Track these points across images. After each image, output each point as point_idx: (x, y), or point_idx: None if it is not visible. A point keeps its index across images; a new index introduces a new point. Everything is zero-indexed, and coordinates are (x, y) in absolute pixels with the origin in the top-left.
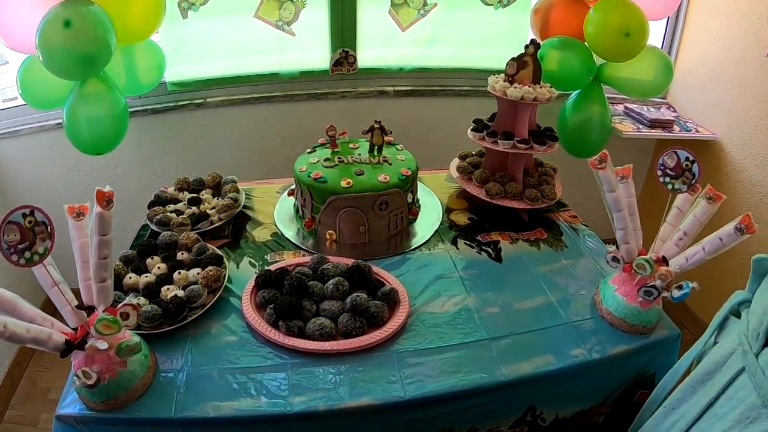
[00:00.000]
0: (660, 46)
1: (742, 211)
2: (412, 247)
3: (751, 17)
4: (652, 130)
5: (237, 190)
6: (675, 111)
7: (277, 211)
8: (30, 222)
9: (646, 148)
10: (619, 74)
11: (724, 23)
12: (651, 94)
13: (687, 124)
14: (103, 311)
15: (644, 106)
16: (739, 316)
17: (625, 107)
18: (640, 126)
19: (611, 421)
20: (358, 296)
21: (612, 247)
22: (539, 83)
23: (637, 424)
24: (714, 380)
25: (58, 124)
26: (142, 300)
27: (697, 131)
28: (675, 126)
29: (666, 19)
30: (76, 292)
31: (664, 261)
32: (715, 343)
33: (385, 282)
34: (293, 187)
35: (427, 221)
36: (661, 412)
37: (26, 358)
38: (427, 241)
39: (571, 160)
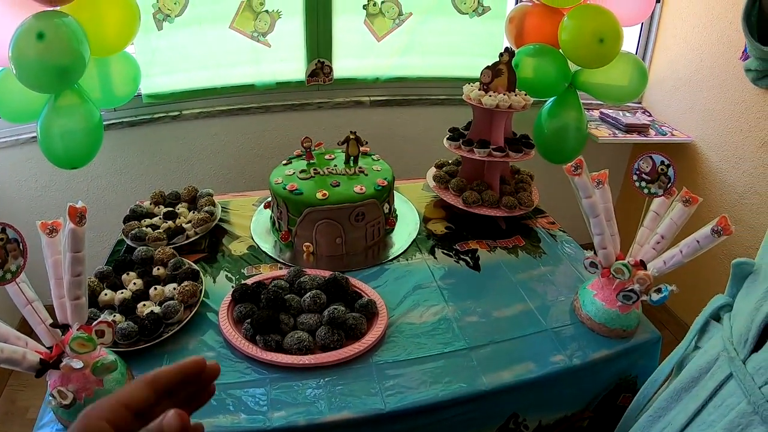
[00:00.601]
0: (634, 52)
1: (719, 212)
2: (390, 258)
3: (724, 22)
4: (628, 135)
5: (213, 204)
6: (650, 115)
7: (254, 224)
8: (1, 239)
9: (623, 152)
10: (594, 80)
11: (698, 28)
12: (626, 99)
13: (662, 128)
14: (77, 329)
15: (620, 111)
16: (719, 320)
17: (601, 113)
18: (616, 131)
19: (595, 426)
20: (335, 309)
21: (590, 253)
22: (514, 91)
23: (622, 429)
24: (699, 387)
25: (33, 137)
26: (118, 317)
27: (673, 135)
28: (651, 130)
29: (640, 25)
30: (51, 310)
31: (642, 265)
32: (697, 347)
33: (363, 294)
34: (269, 199)
35: (405, 231)
36: (646, 420)
37: (5, 377)
38: (404, 252)
39: (548, 167)
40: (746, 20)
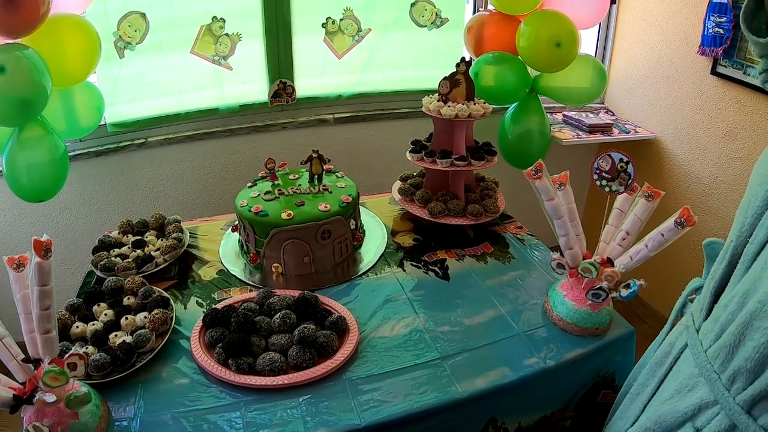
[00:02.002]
0: (594, 53)
1: (686, 204)
2: (359, 273)
3: (679, 17)
4: (592, 136)
5: (181, 230)
6: (613, 114)
7: (223, 248)
8: None
9: (589, 153)
10: (554, 84)
11: (654, 25)
12: (587, 100)
13: (626, 125)
14: (49, 363)
15: (582, 113)
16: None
17: (564, 115)
18: (580, 132)
19: (578, 424)
20: (305, 327)
21: (556, 254)
22: (473, 100)
23: (609, 418)
24: (667, 360)
25: None
26: (90, 349)
27: (636, 132)
28: (614, 129)
29: (597, 26)
30: (23, 346)
31: (609, 262)
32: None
33: (333, 311)
34: (237, 222)
35: (373, 246)
36: (627, 400)
37: None
38: (373, 266)
39: (514, 173)
40: (748, 22)
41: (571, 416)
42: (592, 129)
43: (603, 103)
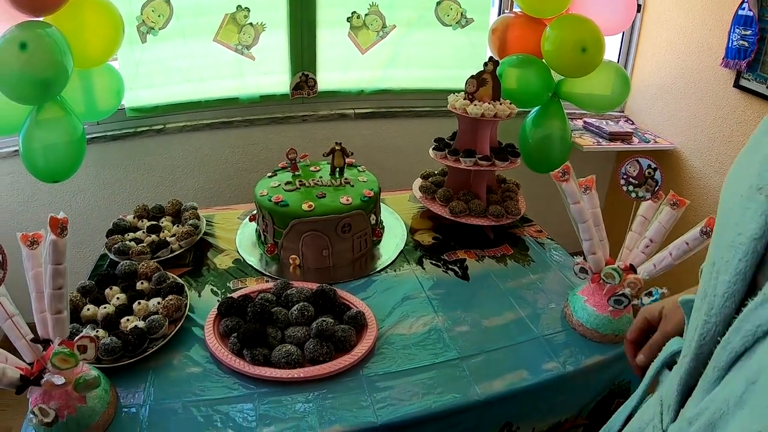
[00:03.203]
0: (616, 60)
1: (702, 217)
2: (378, 269)
3: (703, 29)
4: (612, 144)
5: (197, 217)
6: (633, 123)
7: (239, 238)
8: None
9: (607, 160)
10: (577, 90)
11: (678, 35)
12: (609, 108)
13: (645, 135)
14: (59, 344)
15: (603, 120)
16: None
17: (585, 122)
18: (600, 139)
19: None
20: (324, 321)
21: (579, 258)
22: (499, 100)
23: None
24: None
25: (14, 151)
26: (101, 332)
27: (656, 142)
28: (634, 138)
29: (621, 33)
30: (32, 326)
31: (632, 269)
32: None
33: (352, 305)
34: (255, 212)
35: (392, 242)
36: None
37: None
38: (392, 263)
39: (533, 176)
40: None
41: (584, 424)
42: (612, 137)
43: (623, 112)
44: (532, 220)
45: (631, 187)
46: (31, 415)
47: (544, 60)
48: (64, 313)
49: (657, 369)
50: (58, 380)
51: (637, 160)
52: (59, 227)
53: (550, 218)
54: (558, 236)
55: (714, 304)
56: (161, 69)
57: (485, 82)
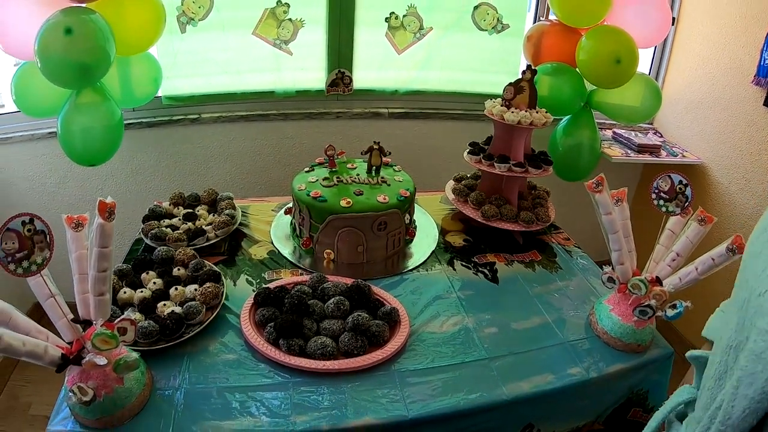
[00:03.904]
0: (648, 72)
1: (728, 234)
2: (410, 268)
3: (736, 45)
4: (640, 156)
5: (233, 207)
6: (662, 136)
7: (274, 230)
8: (29, 230)
9: (634, 172)
10: (609, 100)
11: (710, 50)
12: (640, 120)
13: (674, 149)
14: (100, 326)
15: (632, 131)
16: (683, 419)
17: (614, 132)
18: (629, 151)
19: None
20: (359, 315)
21: (608, 268)
22: (535, 108)
23: None
24: None
25: (50, 133)
26: (137, 315)
27: (684, 156)
28: (662, 151)
29: (653, 46)
30: (71, 305)
31: (658, 281)
32: None
33: (385, 302)
34: (290, 205)
35: (424, 242)
36: None
37: (7, 371)
38: (424, 262)
39: (561, 184)
40: None
41: (600, 429)
42: (641, 149)
43: (653, 124)
44: (560, 227)
45: (661, 201)
46: (71, 394)
47: (577, 69)
48: (107, 295)
49: (659, 422)
50: (101, 361)
51: (669, 176)
52: (107, 211)
53: (575, 226)
54: (582, 243)
55: (731, 415)
56: (199, 60)
57: (522, 89)
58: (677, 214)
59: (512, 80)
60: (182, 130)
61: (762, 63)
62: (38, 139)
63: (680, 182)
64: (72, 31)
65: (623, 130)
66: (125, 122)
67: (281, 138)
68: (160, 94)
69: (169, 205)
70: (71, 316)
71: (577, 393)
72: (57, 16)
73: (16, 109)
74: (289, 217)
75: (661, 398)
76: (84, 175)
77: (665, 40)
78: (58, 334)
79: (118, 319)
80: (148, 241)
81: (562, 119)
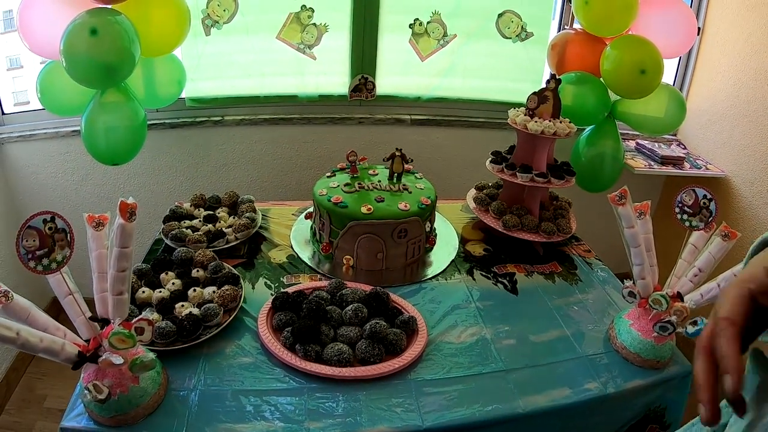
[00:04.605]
0: (672, 83)
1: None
2: (429, 276)
3: (762, 56)
4: (663, 167)
5: (254, 210)
6: (685, 148)
7: (293, 234)
8: (50, 228)
9: (656, 184)
10: (633, 111)
11: (735, 62)
12: (664, 131)
13: (697, 161)
14: (118, 325)
15: (656, 143)
16: None
17: (637, 143)
18: (652, 162)
19: None
20: (377, 323)
21: (628, 282)
22: (559, 118)
23: None
24: None
25: (73, 131)
26: (155, 315)
27: (707, 168)
28: (685, 163)
29: (678, 57)
30: (89, 302)
31: (679, 297)
32: None
33: (404, 310)
34: (311, 210)
35: (444, 251)
36: None
37: (24, 364)
38: (443, 271)
39: (582, 195)
40: None
41: None
42: (664, 161)
43: (676, 135)
44: (580, 238)
45: (685, 216)
46: (86, 391)
47: (601, 79)
48: (126, 294)
49: None
50: (117, 360)
51: (694, 190)
52: (128, 212)
53: (596, 237)
54: (602, 254)
55: None
56: (223, 62)
57: (546, 99)
58: (701, 229)
59: (536, 89)
60: (205, 131)
61: None
62: (62, 137)
63: (704, 197)
64: (97, 32)
65: (647, 142)
66: (149, 122)
67: (303, 142)
68: (183, 95)
69: (190, 206)
70: (89, 314)
71: (594, 408)
72: (83, 16)
73: (41, 107)
74: (309, 222)
75: (679, 415)
76: (106, 173)
77: (690, 51)
78: (76, 331)
79: (136, 318)
80: (168, 242)
81: (585, 129)
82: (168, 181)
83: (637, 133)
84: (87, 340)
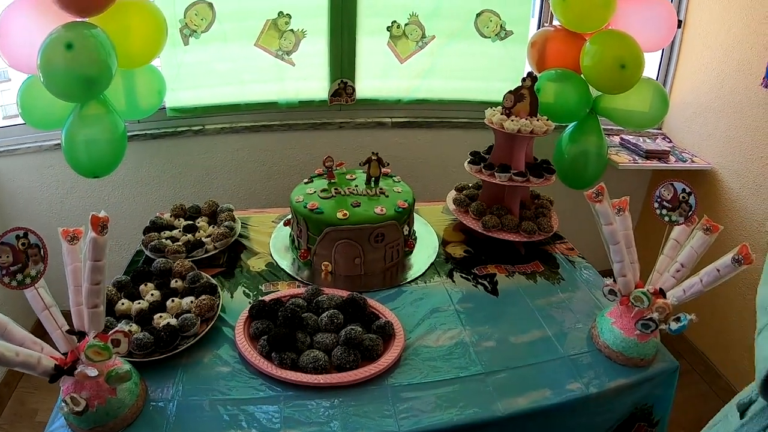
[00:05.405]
0: (655, 77)
1: (739, 240)
2: (408, 280)
3: (744, 47)
4: (648, 162)
5: (233, 219)
6: (670, 141)
7: (273, 241)
8: (23, 244)
9: (642, 178)
10: (614, 106)
11: (718, 54)
12: (647, 125)
13: (683, 154)
14: (94, 337)
15: (640, 137)
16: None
17: (621, 138)
18: (636, 157)
19: None
20: (352, 329)
21: (609, 280)
22: (536, 116)
23: None
24: None
25: (56, 145)
26: (134, 327)
27: (693, 161)
28: (671, 156)
29: (660, 51)
30: (68, 315)
31: (661, 293)
32: None
33: (381, 315)
34: (290, 217)
35: (424, 254)
36: None
37: (15, 378)
38: (422, 274)
39: (567, 192)
40: None
41: None
42: (649, 155)
43: (661, 129)
44: (563, 237)
45: (664, 211)
46: (63, 404)
47: (582, 75)
48: (101, 307)
49: None
50: (91, 372)
51: (672, 184)
52: (100, 225)
53: (581, 234)
54: (588, 252)
55: None
56: (202, 71)
57: (523, 97)
58: (681, 224)
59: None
60: (186, 141)
61: None
62: (45, 150)
63: (683, 190)
64: (73, 46)
65: (631, 136)
66: (131, 134)
67: (285, 149)
68: (164, 105)
69: (171, 216)
70: (66, 327)
71: (577, 409)
72: (58, 31)
73: (23, 122)
74: (288, 229)
75: (666, 412)
76: (91, 186)
77: (672, 44)
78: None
79: (112, 330)
80: (148, 253)
81: (567, 126)
82: (152, 192)
83: (621, 128)
84: (65, 353)
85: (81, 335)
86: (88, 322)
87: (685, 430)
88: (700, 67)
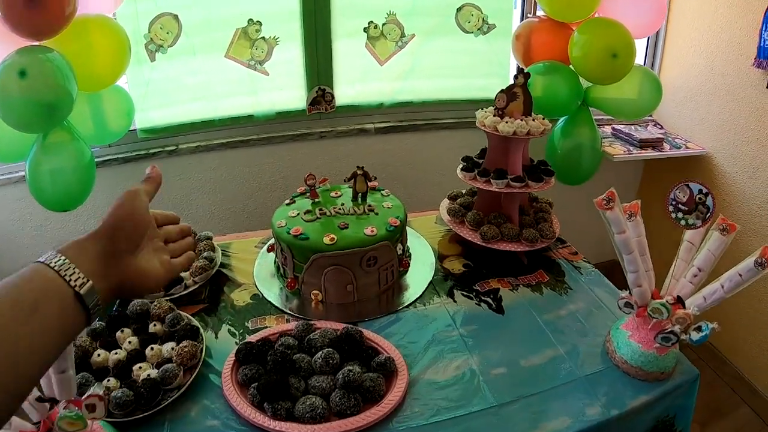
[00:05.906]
0: (642, 63)
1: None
2: (406, 304)
3: (733, 28)
4: (643, 151)
5: (212, 248)
6: (662, 128)
7: (257, 269)
8: None
9: (635, 168)
10: (607, 96)
11: (706, 35)
12: (641, 114)
13: (676, 140)
14: (64, 407)
15: (632, 126)
16: None
17: (613, 128)
18: (630, 147)
19: None
20: (350, 370)
21: (624, 292)
22: (531, 115)
23: None
24: None
25: (24, 176)
26: (112, 381)
27: (687, 147)
28: (665, 144)
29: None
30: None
31: (680, 302)
32: None
33: (380, 349)
34: (272, 241)
35: (420, 272)
36: None
37: None
38: (421, 296)
39: (561, 188)
40: None
41: None
42: (643, 144)
43: (652, 116)
44: (565, 240)
45: (680, 214)
46: None
47: (572, 67)
48: (70, 371)
49: None
50: None
51: (687, 185)
52: None
53: (577, 230)
54: (587, 248)
55: None
56: (172, 88)
57: (516, 96)
58: (698, 227)
59: (504, 83)
60: (161, 163)
61: (762, 44)
62: (15, 182)
63: (700, 191)
64: (26, 74)
65: (623, 126)
66: (102, 159)
67: (264, 164)
68: (134, 127)
69: None
70: (36, 395)
71: None
72: (12, 56)
73: None
74: (273, 255)
75: (688, 420)
76: (65, 217)
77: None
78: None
79: (85, 395)
80: None
81: (558, 120)
82: None
83: (612, 118)
84: (38, 423)
85: (53, 402)
86: (57, 389)
87: (693, 419)
88: (688, 50)
